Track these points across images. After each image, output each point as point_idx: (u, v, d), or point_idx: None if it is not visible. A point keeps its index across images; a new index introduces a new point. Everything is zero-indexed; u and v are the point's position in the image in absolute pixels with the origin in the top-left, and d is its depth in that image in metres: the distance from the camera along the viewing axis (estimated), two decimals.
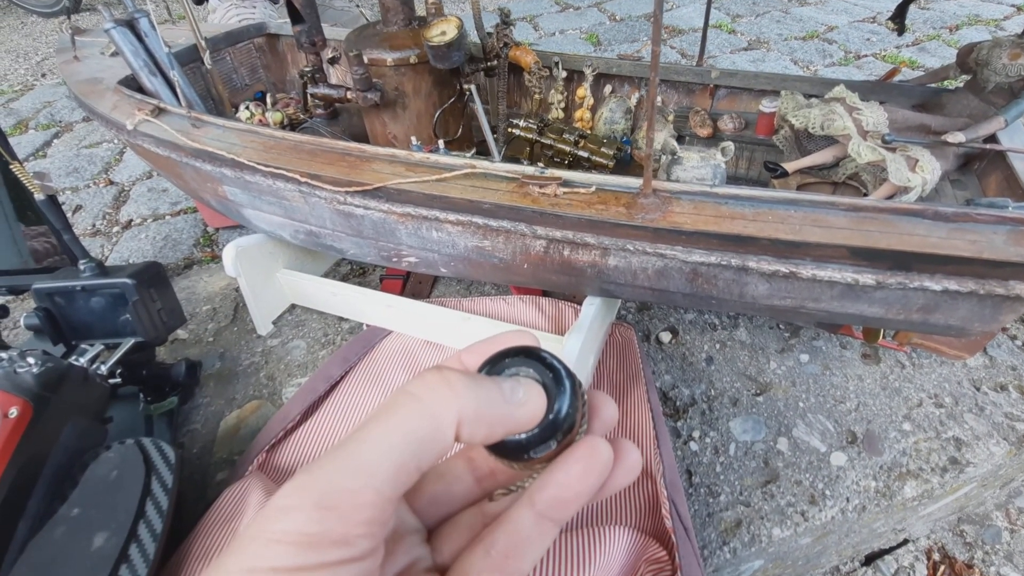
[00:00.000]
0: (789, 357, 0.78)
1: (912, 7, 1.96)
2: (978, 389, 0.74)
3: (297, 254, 0.92)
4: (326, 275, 1.00)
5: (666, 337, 0.82)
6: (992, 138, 0.58)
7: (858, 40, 1.72)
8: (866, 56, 1.59)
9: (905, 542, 0.82)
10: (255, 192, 0.71)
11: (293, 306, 0.93)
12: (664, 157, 0.57)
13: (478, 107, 0.58)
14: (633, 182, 0.53)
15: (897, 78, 0.69)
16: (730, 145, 0.54)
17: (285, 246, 0.88)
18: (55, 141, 1.59)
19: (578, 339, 0.62)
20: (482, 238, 0.61)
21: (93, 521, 0.54)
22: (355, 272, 1.01)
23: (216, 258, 1.11)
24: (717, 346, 0.80)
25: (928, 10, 1.93)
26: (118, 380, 0.73)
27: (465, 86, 0.64)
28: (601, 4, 2.10)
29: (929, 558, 0.81)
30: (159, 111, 0.75)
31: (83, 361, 0.66)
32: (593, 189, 0.54)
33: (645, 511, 0.57)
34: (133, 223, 1.26)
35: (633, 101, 0.84)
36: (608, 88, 0.86)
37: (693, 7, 2.01)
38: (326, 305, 0.89)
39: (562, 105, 0.88)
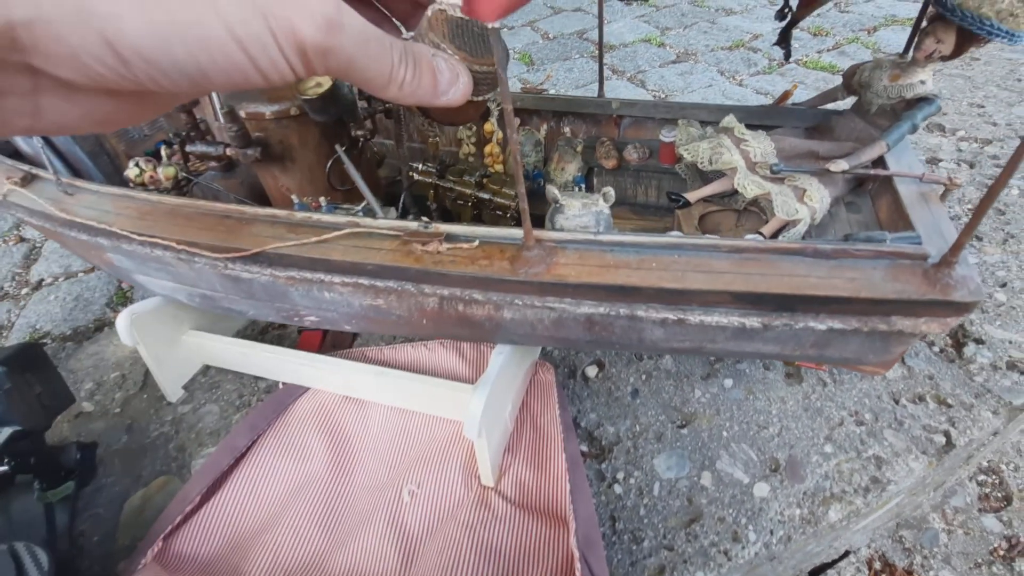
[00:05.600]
0: (713, 383, 0.77)
1: (831, 10, 2.01)
2: (897, 402, 0.74)
3: (205, 313, 0.87)
4: (243, 329, 0.95)
5: (592, 372, 0.80)
6: (880, 161, 0.58)
7: None
8: (789, 63, 1.63)
9: (847, 554, 0.82)
10: (138, 259, 0.67)
11: (207, 367, 0.88)
12: (551, 207, 0.55)
13: (349, 167, 0.56)
14: (516, 233, 0.51)
15: (790, 100, 0.69)
16: (610, 191, 0.52)
17: (189, 306, 0.83)
18: None
19: (483, 395, 0.59)
20: (375, 297, 0.58)
21: None
22: (274, 324, 0.96)
23: None
24: (643, 377, 0.78)
25: (847, 13, 2.00)
26: (6, 469, 0.67)
27: (337, 146, 0.61)
28: (534, 23, 2.11)
29: (871, 568, 0.81)
30: (31, 178, 0.70)
31: None
32: (476, 243, 0.52)
33: (558, 571, 0.54)
34: (44, 283, 1.18)
35: (542, 133, 0.82)
36: (516, 121, 0.84)
37: (624, 22, 2.03)
38: (239, 365, 0.84)
39: (473, 140, 0.86)
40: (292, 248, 0.56)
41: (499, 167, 0.82)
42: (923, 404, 0.74)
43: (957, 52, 0.54)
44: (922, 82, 0.56)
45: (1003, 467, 0.78)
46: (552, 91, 1.51)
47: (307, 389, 0.79)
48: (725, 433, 0.71)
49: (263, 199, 0.75)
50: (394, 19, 0.37)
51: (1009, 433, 0.77)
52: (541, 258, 0.50)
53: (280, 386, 0.82)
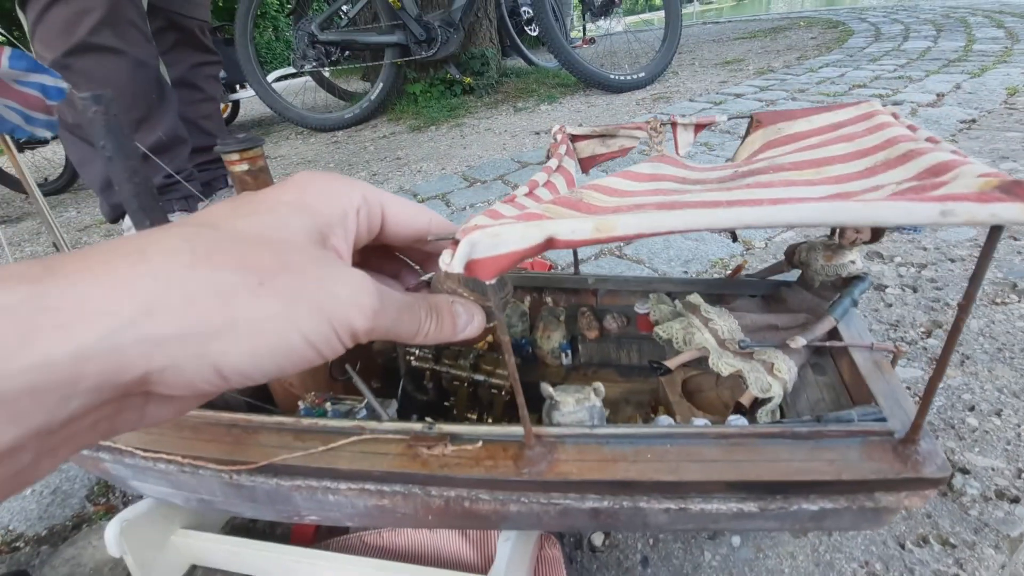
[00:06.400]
0: (722, 543, 0.76)
1: None
2: (903, 547, 0.74)
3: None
4: (232, 519, 0.91)
5: (598, 540, 0.78)
6: (833, 332, 0.65)
7: None
8: None
9: None
10: (139, 470, 0.67)
11: (194, 567, 0.84)
12: (547, 403, 0.59)
13: (356, 381, 0.60)
14: (516, 430, 0.54)
15: (742, 273, 0.78)
16: (600, 386, 0.57)
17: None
18: None
19: None
20: (380, 499, 0.59)
21: None
22: None
23: (112, 510, 1.00)
24: (651, 542, 0.77)
25: None
26: None
27: (346, 365, 0.66)
28: (504, 176, 2.34)
29: None
30: None
31: None
32: (480, 444, 0.55)
33: None
34: None
35: (526, 304, 0.89)
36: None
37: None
38: (228, 564, 0.80)
39: None
40: (300, 458, 0.57)
41: (489, 338, 0.88)
42: (928, 547, 0.74)
43: (876, 237, 0.64)
44: (852, 262, 0.65)
45: None
46: None
47: None
48: None
49: (267, 391, 0.78)
50: (414, 264, 0.46)
51: (1017, 561, 0.77)
52: (543, 455, 0.53)
53: None
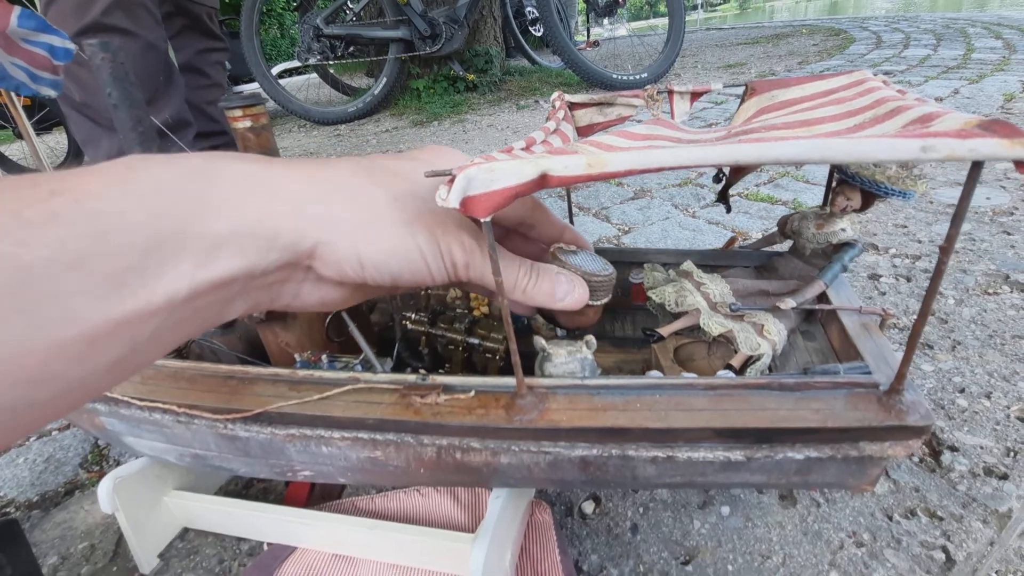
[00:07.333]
0: (711, 512, 0.77)
1: None
2: (891, 519, 0.75)
3: (190, 470, 0.85)
4: (226, 485, 0.92)
5: (589, 508, 0.79)
6: (822, 296, 0.66)
7: None
8: (732, 196, 1.84)
9: None
10: (133, 423, 0.67)
11: (186, 530, 0.84)
12: (539, 355, 0.60)
13: (353, 330, 0.61)
14: (509, 381, 0.55)
15: (736, 245, 0.79)
16: (592, 339, 0.58)
17: (174, 465, 0.81)
18: None
19: (483, 545, 0.58)
20: (373, 449, 0.59)
21: None
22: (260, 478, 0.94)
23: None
24: (640, 510, 0.78)
25: None
26: None
27: (344, 314, 0.67)
28: None
29: None
30: None
31: None
32: (472, 393, 0.55)
33: None
34: (14, 444, 1.14)
35: None
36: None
37: None
38: (222, 526, 0.81)
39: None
40: (294, 406, 0.58)
41: (484, 308, 0.88)
42: (916, 519, 0.74)
43: (866, 205, 0.65)
44: (843, 229, 0.66)
45: None
46: None
47: (294, 549, 0.76)
48: (730, 567, 0.69)
49: (260, 352, 0.78)
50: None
51: (1006, 540, 0.77)
52: (534, 404, 0.53)
53: (265, 547, 0.78)
